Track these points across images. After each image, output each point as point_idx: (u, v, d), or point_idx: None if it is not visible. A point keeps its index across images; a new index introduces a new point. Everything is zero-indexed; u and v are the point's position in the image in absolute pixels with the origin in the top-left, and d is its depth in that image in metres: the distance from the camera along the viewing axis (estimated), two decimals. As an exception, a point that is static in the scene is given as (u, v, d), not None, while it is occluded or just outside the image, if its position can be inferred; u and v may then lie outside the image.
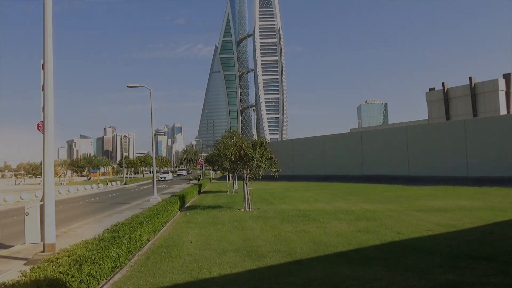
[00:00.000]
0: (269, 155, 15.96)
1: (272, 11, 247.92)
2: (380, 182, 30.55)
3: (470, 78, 43.13)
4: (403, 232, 9.90)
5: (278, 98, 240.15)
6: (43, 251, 8.44)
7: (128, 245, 7.94)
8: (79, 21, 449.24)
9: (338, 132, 45.95)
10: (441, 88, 46.09)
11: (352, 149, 37.79)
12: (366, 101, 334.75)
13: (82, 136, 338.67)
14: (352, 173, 35.97)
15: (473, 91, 42.66)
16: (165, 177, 67.56)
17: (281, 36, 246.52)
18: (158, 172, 76.99)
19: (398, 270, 6.42)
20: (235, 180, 29.54)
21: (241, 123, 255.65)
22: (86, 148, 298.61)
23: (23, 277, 4.89)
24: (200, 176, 66.40)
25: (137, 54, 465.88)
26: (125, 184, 60.13)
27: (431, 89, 47.59)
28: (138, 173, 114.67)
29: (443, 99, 45.52)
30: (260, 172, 16.19)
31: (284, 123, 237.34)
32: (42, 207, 8.85)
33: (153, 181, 26.50)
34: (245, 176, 16.56)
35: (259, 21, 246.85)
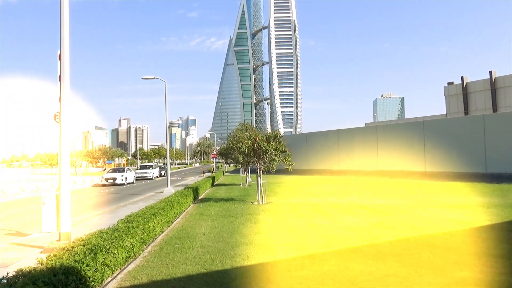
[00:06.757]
0: (283, 149, 15.87)
1: (288, 2, 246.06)
2: (395, 177, 30.18)
3: (490, 72, 42.02)
4: (418, 227, 9.76)
5: (292, 91, 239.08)
6: (59, 240, 8.59)
7: (142, 236, 8.01)
8: (94, 14, 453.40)
9: (353, 126, 45.44)
10: (460, 82, 45.07)
11: (367, 143, 37.39)
12: (382, 95, 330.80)
13: (97, 128, 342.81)
14: (366, 168, 35.62)
15: (493, 85, 41.57)
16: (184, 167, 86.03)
17: (296, 28, 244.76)
18: (172, 164, 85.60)
19: (413, 266, 6.33)
20: (248, 173, 29.55)
21: (255, 116, 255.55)
22: (101, 139, 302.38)
23: (40, 265, 4.98)
24: (214, 169, 66.68)
25: (151, 47, 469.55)
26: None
27: (450, 83, 46.54)
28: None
29: (462, 93, 44.54)
30: (273, 166, 16.10)
31: (298, 117, 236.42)
32: (58, 197, 8.98)
33: (166, 173, 26.65)
34: (258, 169, 16.52)
35: (274, 13, 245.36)
